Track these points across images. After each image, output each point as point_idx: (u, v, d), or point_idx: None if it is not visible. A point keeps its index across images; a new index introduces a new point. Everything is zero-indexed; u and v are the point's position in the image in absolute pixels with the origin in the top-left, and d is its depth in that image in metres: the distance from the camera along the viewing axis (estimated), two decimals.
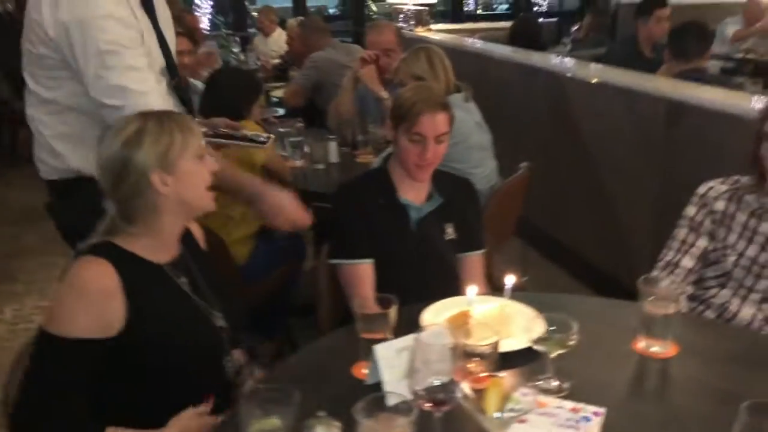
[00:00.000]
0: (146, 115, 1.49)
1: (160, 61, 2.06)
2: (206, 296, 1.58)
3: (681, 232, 1.98)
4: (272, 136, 2.59)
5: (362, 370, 1.44)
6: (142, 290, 1.43)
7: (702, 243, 1.95)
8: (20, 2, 7.67)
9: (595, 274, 3.72)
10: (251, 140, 2.41)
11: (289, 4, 8.42)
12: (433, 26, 6.76)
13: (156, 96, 1.90)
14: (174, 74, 2.13)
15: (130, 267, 1.44)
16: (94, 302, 1.38)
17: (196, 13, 7.40)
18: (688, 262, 1.95)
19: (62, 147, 2.00)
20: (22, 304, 3.75)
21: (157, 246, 1.51)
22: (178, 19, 3.78)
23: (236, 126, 2.42)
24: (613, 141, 3.57)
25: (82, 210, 1.82)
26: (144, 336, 1.42)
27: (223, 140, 2.32)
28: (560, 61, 4.47)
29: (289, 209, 1.93)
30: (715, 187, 1.98)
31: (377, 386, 1.32)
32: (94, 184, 1.81)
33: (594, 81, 3.71)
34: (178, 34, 3.67)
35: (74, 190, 2.04)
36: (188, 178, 1.47)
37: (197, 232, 1.71)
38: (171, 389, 1.48)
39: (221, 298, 1.62)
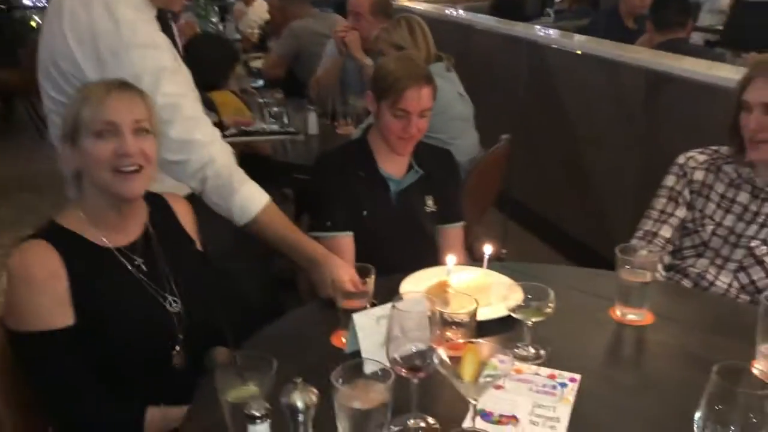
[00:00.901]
0: (83, 86, 1.46)
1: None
2: (162, 280, 1.52)
3: (660, 202, 1.99)
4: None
5: (341, 339, 1.44)
6: (84, 272, 1.40)
7: (681, 213, 1.96)
8: None
9: (575, 246, 3.75)
10: (288, 133, 2.39)
11: None
12: None
13: (218, 143, 1.80)
14: None
15: (72, 248, 1.40)
16: (45, 288, 1.36)
17: None
18: (666, 231, 1.96)
19: None
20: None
21: (103, 229, 1.46)
22: None
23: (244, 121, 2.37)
24: (595, 112, 3.57)
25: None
26: (86, 320, 1.39)
27: (255, 137, 2.32)
28: (543, 32, 4.45)
29: (343, 286, 1.56)
30: (695, 157, 1.99)
31: (356, 354, 1.32)
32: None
33: (578, 52, 3.69)
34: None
35: None
36: (85, 157, 1.41)
37: (183, 212, 1.65)
38: (120, 376, 1.44)
39: (187, 280, 1.55)
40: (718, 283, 1.88)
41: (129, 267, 1.48)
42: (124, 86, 1.44)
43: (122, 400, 1.43)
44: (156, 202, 1.58)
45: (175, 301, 1.52)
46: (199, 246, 1.66)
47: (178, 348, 1.50)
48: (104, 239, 1.46)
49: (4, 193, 4.90)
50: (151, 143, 1.45)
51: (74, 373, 1.38)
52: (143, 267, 1.50)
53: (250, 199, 1.78)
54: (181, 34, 4.21)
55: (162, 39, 1.76)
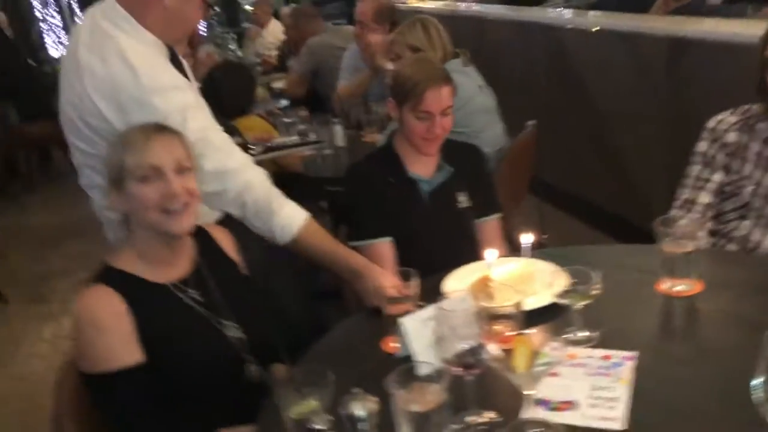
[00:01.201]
0: (121, 134, 1.51)
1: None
2: (219, 308, 1.56)
3: (695, 169, 1.97)
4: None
5: (391, 344, 1.46)
6: (145, 310, 1.44)
7: (717, 177, 1.94)
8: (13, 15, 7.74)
9: (613, 222, 3.71)
10: (303, 144, 2.43)
11: None
12: None
13: (252, 168, 1.83)
14: None
15: (130, 288, 1.45)
16: (113, 329, 1.41)
17: None
18: (705, 197, 1.94)
19: None
20: (59, 324, 3.83)
21: (155, 266, 1.51)
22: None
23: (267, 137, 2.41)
24: (617, 86, 3.53)
25: None
26: (156, 357, 1.44)
27: (279, 152, 2.36)
28: (557, 13, 4.42)
29: (385, 292, 1.62)
30: (725, 119, 1.96)
31: (408, 358, 1.34)
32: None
33: (595, 29, 3.66)
34: None
35: None
36: (131, 201, 1.46)
37: (223, 239, 1.69)
38: (192, 406, 1.49)
39: (240, 305, 1.60)
40: (765, 243, 1.85)
41: (185, 300, 1.53)
42: (161, 129, 1.49)
43: (194, 427, 1.48)
44: (198, 234, 1.62)
45: (235, 326, 1.56)
46: (242, 270, 1.71)
47: (249, 366, 1.56)
48: (158, 276, 1.51)
49: (54, 242, 5.05)
50: (193, 180, 1.50)
51: (148, 408, 1.43)
52: (199, 298, 1.54)
53: (291, 218, 1.81)
54: (203, 66, 4.31)
55: (180, 79, 1.79)
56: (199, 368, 1.49)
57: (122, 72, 1.66)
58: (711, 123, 1.98)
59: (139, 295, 1.45)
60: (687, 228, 1.55)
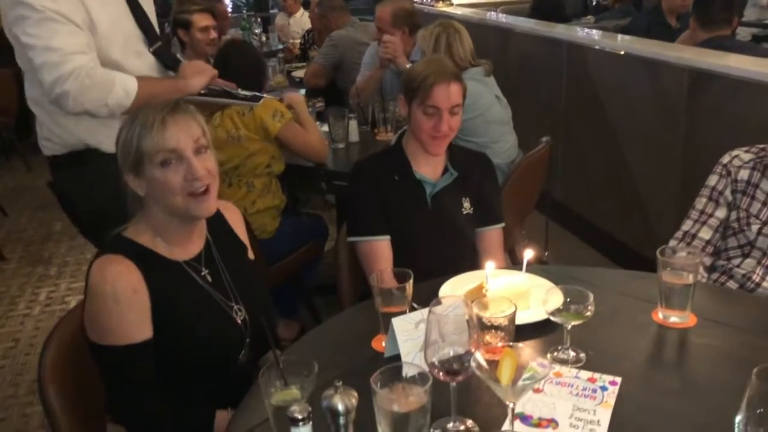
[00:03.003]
0: (133, 115, 1.47)
1: (129, 28, 2.11)
2: (227, 288, 1.57)
3: (701, 202, 1.97)
4: (267, 96, 2.57)
5: (381, 343, 1.46)
6: (161, 286, 1.44)
7: (720, 214, 1.94)
8: None
9: (618, 247, 3.70)
10: (246, 99, 2.34)
11: None
12: (456, 0, 6.71)
13: (77, 56, 1.94)
14: (153, 40, 2.17)
15: (147, 262, 1.44)
16: (131, 303, 1.39)
17: None
18: (705, 233, 1.94)
19: (64, 120, 2.05)
20: (57, 287, 3.86)
21: (171, 243, 1.50)
22: (211, 9, 3.85)
23: (233, 86, 2.35)
24: (636, 112, 3.53)
25: (91, 182, 1.88)
26: (165, 332, 1.44)
27: (220, 99, 2.30)
28: (584, 33, 4.41)
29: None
30: (740, 156, 1.95)
31: (396, 358, 1.35)
32: (101, 156, 1.89)
33: (622, 53, 3.65)
34: (201, 11, 3.72)
35: (80, 162, 2.10)
36: (154, 185, 1.44)
37: (232, 215, 1.68)
38: (192, 382, 1.51)
39: (244, 287, 1.60)
40: (765, 283, 1.85)
41: (197, 279, 1.52)
42: (175, 109, 1.46)
43: (194, 405, 1.49)
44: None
45: (239, 309, 1.57)
46: (251, 254, 1.71)
47: (244, 352, 1.56)
48: (173, 253, 1.50)
49: (58, 205, 5.08)
50: (212, 159, 1.49)
51: (151, 384, 1.43)
52: (208, 278, 1.54)
53: (128, 80, 1.98)
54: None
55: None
56: (204, 346, 1.50)
57: None
58: (725, 158, 1.97)
59: (156, 271, 1.44)
60: (688, 260, 1.55)
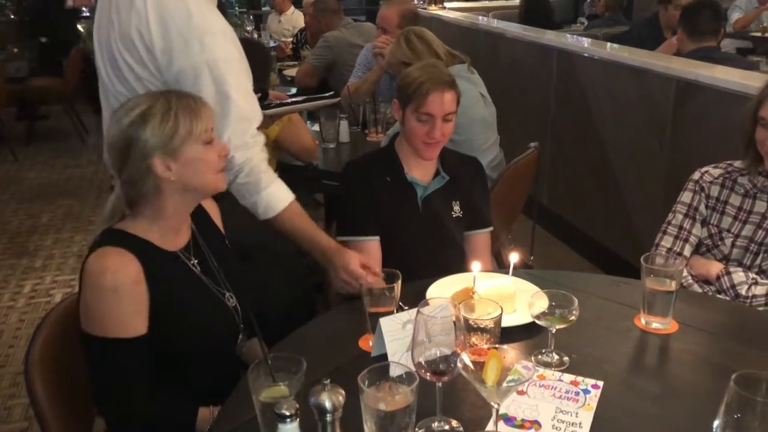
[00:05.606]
0: (155, 96, 1.46)
1: None
2: (217, 277, 1.59)
3: (678, 218, 2.01)
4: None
5: (369, 342, 1.48)
6: (159, 277, 1.44)
7: (697, 231, 2.00)
8: None
9: (603, 254, 3.75)
10: (324, 98, 2.47)
11: None
12: (447, 4, 6.73)
13: (260, 146, 1.88)
14: None
15: (145, 254, 1.43)
16: (131, 297, 1.39)
17: None
18: (687, 251, 1.99)
19: None
20: (42, 280, 3.84)
21: (166, 233, 1.50)
22: None
23: (285, 97, 2.40)
24: (624, 120, 3.57)
25: None
26: (163, 324, 1.44)
27: (294, 106, 2.35)
28: (575, 40, 4.45)
29: (350, 270, 1.77)
30: (709, 172, 2.01)
31: (383, 358, 1.36)
32: None
33: (611, 59, 3.68)
34: None
35: None
36: (193, 164, 1.45)
37: (212, 209, 1.71)
38: (188, 373, 1.51)
39: (231, 275, 1.62)
40: (743, 292, 1.88)
41: (191, 268, 1.54)
42: (196, 97, 1.51)
43: (179, 401, 1.49)
44: None
45: (231, 296, 1.60)
46: (227, 242, 1.73)
47: (241, 337, 1.59)
48: (167, 243, 1.51)
49: (45, 198, 5.06)
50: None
51: (141, 378, 1.43)
52: (198, 267, 1.56)
53: (277, 197, 1.86)
54: None
55: (229, 28, 1.83)
56: (202, 335, 1.51)
57: (177, 7, 1.71)
58: (696, 175, 2.03)
59: (154, 262, 1.45)
60: (671, 267, 1.58)
